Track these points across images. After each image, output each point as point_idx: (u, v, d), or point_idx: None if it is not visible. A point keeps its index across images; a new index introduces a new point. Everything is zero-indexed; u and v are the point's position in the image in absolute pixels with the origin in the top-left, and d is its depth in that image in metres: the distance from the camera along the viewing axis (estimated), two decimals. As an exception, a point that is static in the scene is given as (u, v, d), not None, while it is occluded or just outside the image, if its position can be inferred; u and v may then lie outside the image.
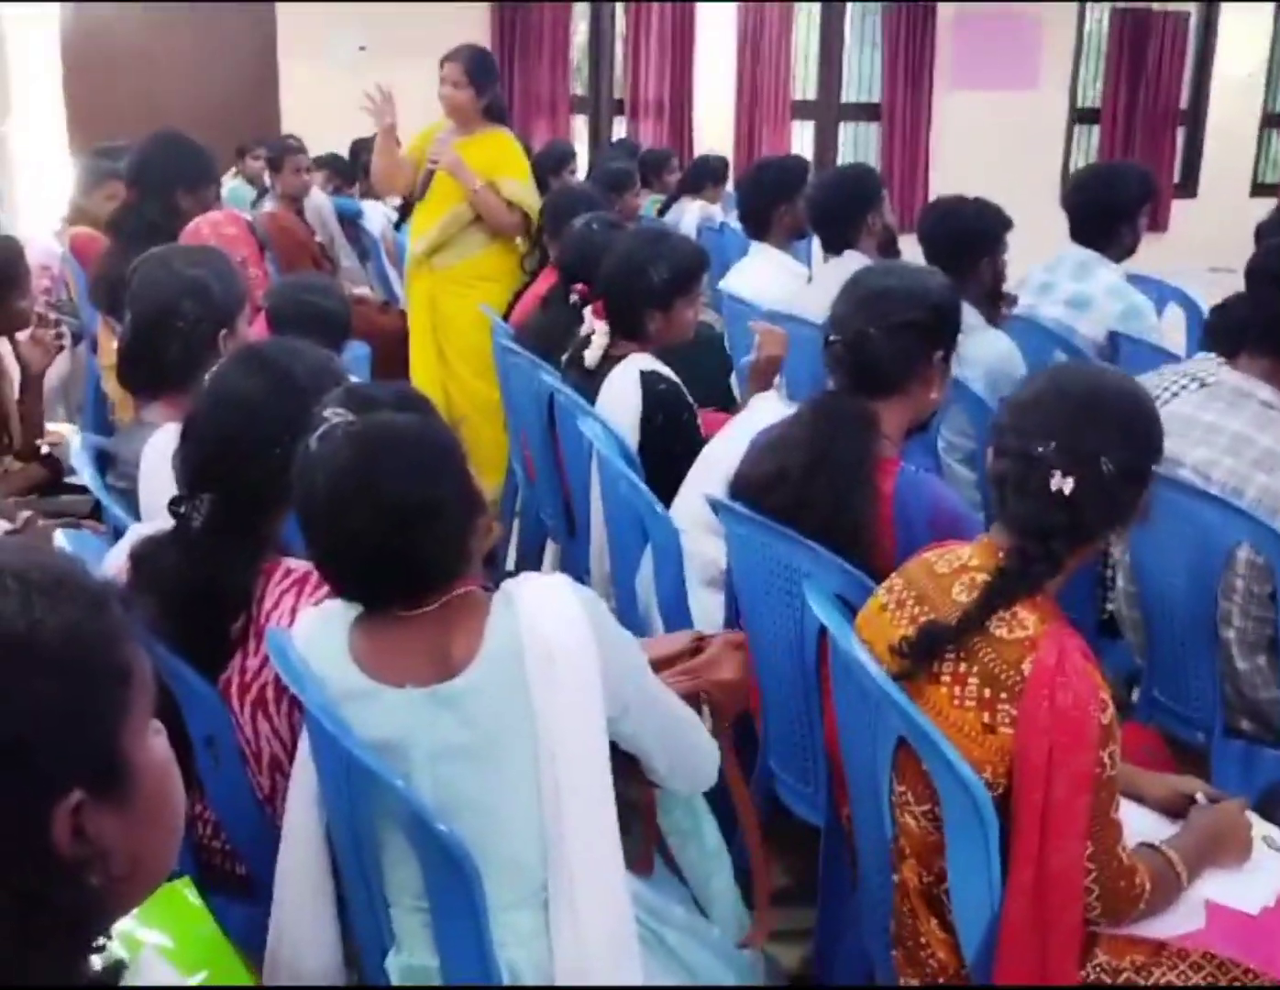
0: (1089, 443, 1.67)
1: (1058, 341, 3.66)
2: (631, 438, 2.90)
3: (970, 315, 3.02)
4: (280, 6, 8.14)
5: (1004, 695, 1.62)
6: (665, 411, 2.94)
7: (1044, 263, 3.93)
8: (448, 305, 4.52)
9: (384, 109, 4.41)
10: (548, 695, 1.52)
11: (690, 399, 3.03)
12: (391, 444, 1.53)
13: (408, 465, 1.52)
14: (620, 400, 2.94)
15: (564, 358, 3.19)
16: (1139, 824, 1.81)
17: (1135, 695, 2.67)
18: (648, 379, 2.95)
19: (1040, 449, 1.66)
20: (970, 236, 3.41)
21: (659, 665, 1.86)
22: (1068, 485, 1.65)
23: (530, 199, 4.51)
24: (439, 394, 4.41)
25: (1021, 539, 1.68)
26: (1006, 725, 1.61)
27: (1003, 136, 9.66)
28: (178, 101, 7.45)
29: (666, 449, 2.87)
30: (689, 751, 1.76)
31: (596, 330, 3.04)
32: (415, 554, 1.53)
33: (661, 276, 3.02)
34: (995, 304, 3.46)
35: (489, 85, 4.43)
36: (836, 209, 3.87)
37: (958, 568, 1.75)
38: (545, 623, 1.54)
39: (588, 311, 3.09)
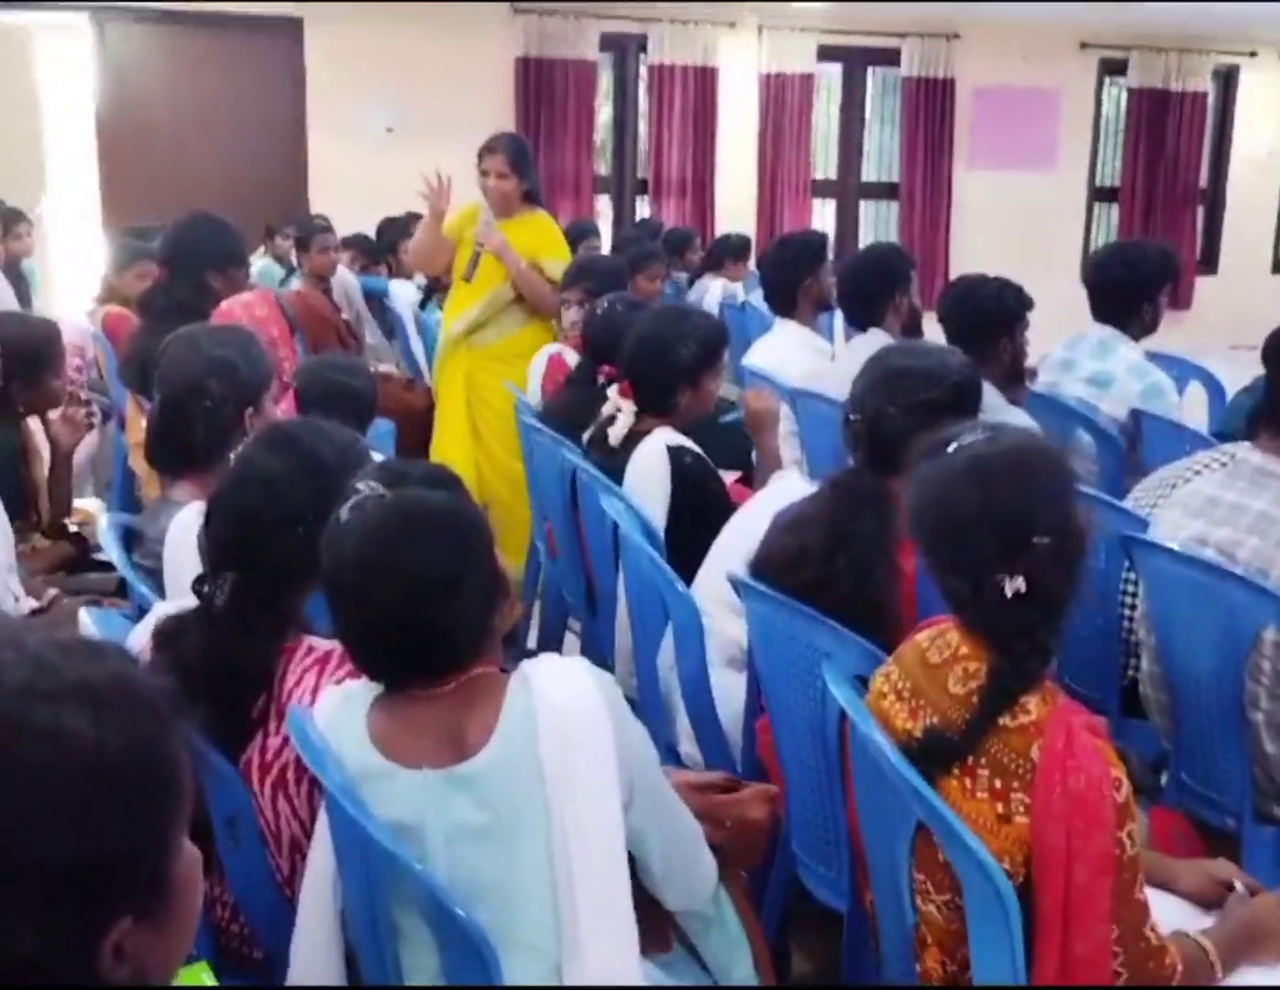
0: (1017, 537, 1.61)
1: (1080, 420, 3.66)
2: (661, 513, 2.92)
3: (991, 395, 3.03)
4: (310, 88, 8.32)
5: (1015, 784, 1.60)
6: (694, 484, 2.96)
7: (1064, 341, 3.94)
8: (485, 382, 4.57)
9: (440, 195, 4.51)
10: (562, 776, 1.52)
11: (716, 469, 3.06)
12: (420, 519, 1.55)
13: (435, 541, 1.54)
14: (648, 475, 2.96)
15: (585, 437, 3.21)
16: (1171, 913, 1.78)
17: (1164, 778, 2.64)
18: (675, 453, 2.97)
19: (976, 567, 1.62)
20: (990, 316, 3.42)
21: (687, 790, 1.84)
22: (1020, 583, 1.60)
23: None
24: (471, 471, 4.45)
25: (1003, 642, 1.64)
26: (1021, 814, 1.59)
27: (1022, 215, 9.74)
28: (208, 181, 7.60)
29: (698, 521, 2.87)
30: (689, 863, 1.73)
31: (622, 408, 3.06)
32: (436, 629, 1.54)
33: (690, 352, 3.07)
34: (1016, 383, 3.47)
35: (529, 171, 4.57)
36: (865, 287, 3.90)
37: (949, 658, 1.71)
38: (561, 704, 1.54)
39: (612, 391, 3.12)
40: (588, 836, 1.52)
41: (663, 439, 3.00)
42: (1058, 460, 1.72)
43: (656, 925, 1.76)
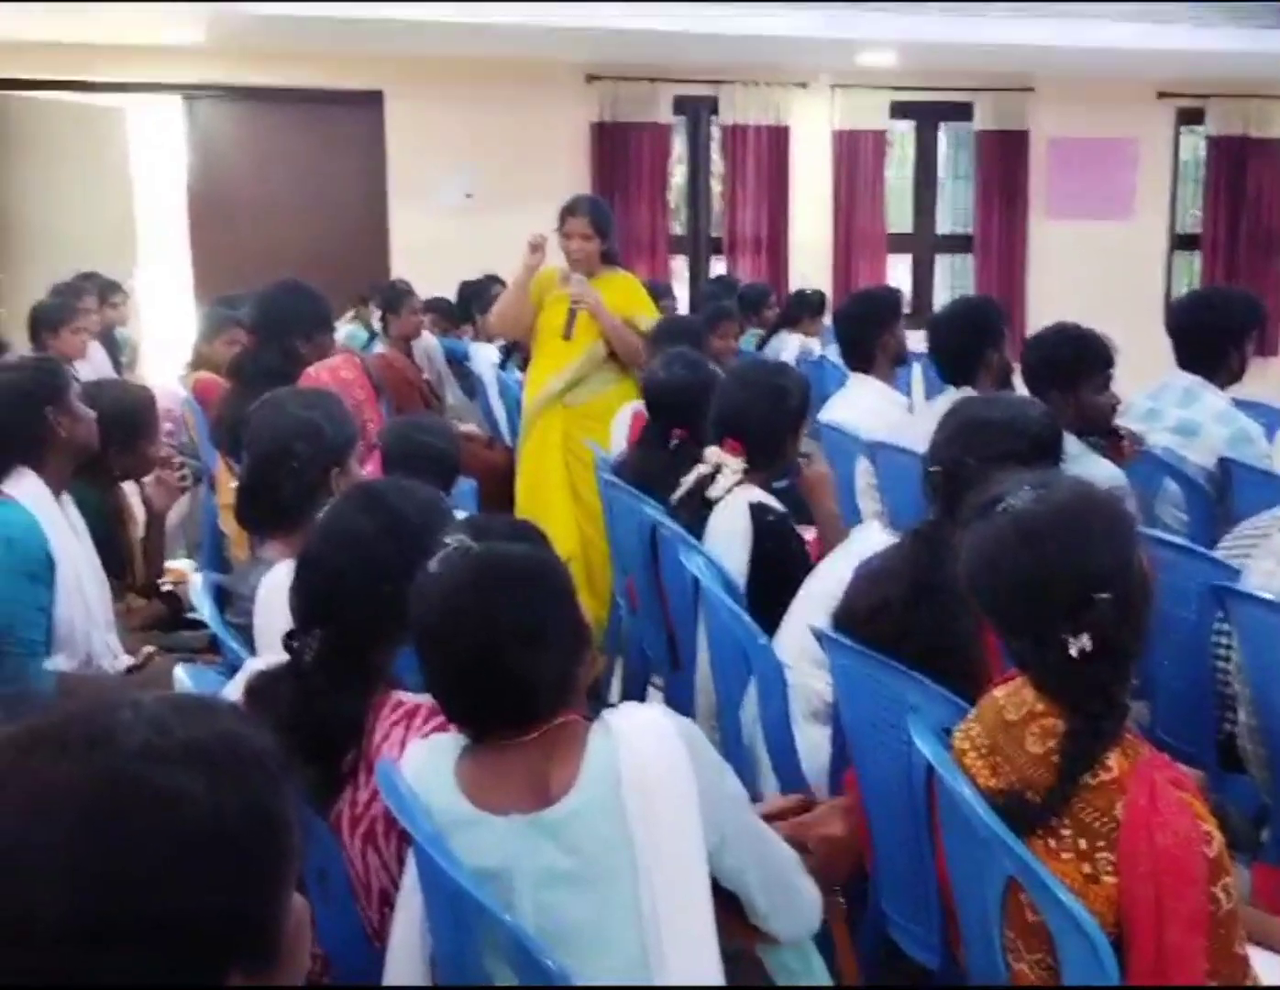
0: (1077, 597, 1.57)
1: (1167, 469, 3.61)
2: (741, 570, 2.91)
3: (1072, 444, 3.00)
4: (390, 157, 8.52)
5: (1101, 843, 1.56)
6: (776, 542, 2.96)
7: (1148, 390, 3.89)
8: (581, 440, 4.60)
9: (538, 254, 4.58)
10: (645, 820, 1.53)
11: (797, 530, 3.06)
12: (505, 570, 1.60)
13: (519, 591, 1.59)
14: (730, 534, 2.97)
15: (674, 498, 3.16)
16: (1275, 973, 1.73)
17: (1265, 834, 2.57)
18: (757, 511, 2.97)
19: (1037, 629, 1.60)
20: (1073, 365, 3.39)
21: (765, 819, 1.85)
22: (1085, 642, 1.57)
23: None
24: (572, 528, 4.49)
25: (1077, 702, 1.61)
26: (1109, 873, 1.55)
27: (1100, 264, 9.65)
28: (294, 250, 7.79)
29: (779, 580, 2.86)
30: (791, 893, 1.73)
31: (727, 465, 3.03)
32: (520, 677, 1.57)
33: (796, 402, 3.12)
34: (1100, 433, 3.43)
35: (610, 232, 4.67)
36: (956, 342, 3.82)
37: (1026, 716, 1.67)
38: (642, 751, 1.55)
39: (711, 450, 3.09)
40: (672, 880, 1.53)
41: (745, 497, 3.00)
42: (1112, 510, 1.68)
43: (746, 973, 1.75)
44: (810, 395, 3.20)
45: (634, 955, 1.54)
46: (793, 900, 1.73)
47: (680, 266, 9.52)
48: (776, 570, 2.90)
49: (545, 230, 4.63)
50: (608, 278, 4.68)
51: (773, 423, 3.07)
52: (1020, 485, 1.68)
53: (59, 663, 2.79)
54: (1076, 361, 3.41)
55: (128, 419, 3.27)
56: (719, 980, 1.55)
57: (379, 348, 6.13)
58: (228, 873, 0.82)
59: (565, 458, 4.64)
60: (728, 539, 2.95)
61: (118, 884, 0.79)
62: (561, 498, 4.61)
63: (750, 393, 3.10)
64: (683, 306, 7.17)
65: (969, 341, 3.80)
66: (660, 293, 6.67)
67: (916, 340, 4.69)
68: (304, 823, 0.92)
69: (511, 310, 4.80)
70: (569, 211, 4.61)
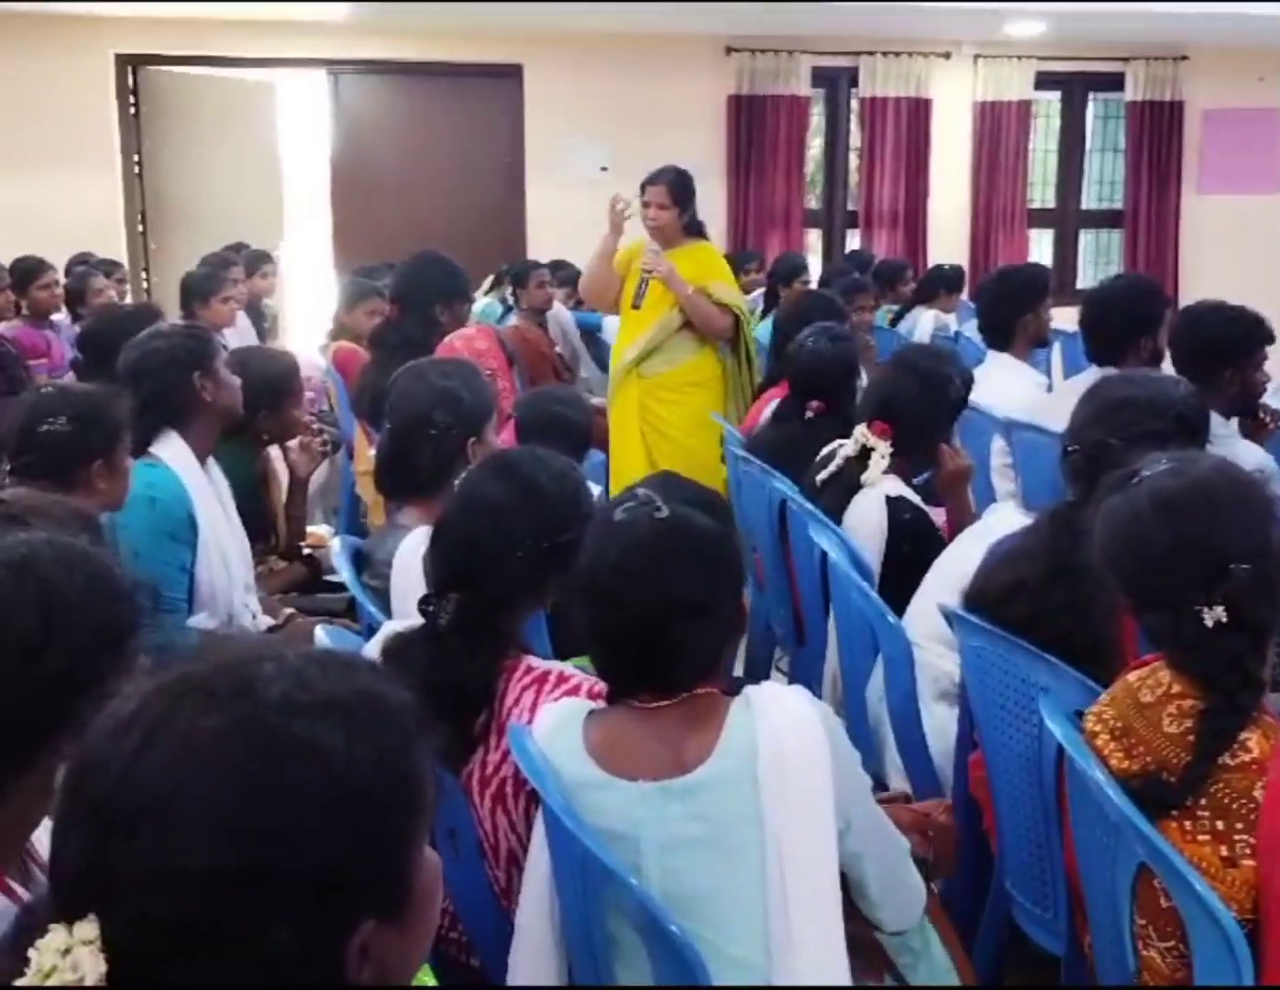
0: (1212, 565, 1.57)
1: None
2: (876, 563, 2.86)
3: (1219, 426, 2.91)
4: (529, 130, 8.59)
5: (1239, 825, 1.54)
6: (911, 542, 2.87)
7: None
8: (658, 412, 4.66)
9: (621, 219, 4.68)
10: (778, 798, 1.54)
11: (935, 524, 2.99)
12: (690, 541, 1.62)
13: (699, 564, 1.61)
14: (866, 526, 2.90)
15: (819, 478, 3.08)
16: None
17: None
18: (894, 506, 2.90)
19: (1173, 600, 1.59)
20: (1222, 343, 3.28)
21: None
22: (1220, 613, 1.56)
23: (739, 301, 4.76)
24: None
25: (1213, 678, 1.59)
26: (1248, 856, 1.53)
27: (1257, 240, 9.28)
28: (433, 222, 7.92)
29: (911, 578, 2.75)
30: (902, 884, 1.73)
31: (877, 448, 2.95)
32: (677, 647, 1.59)
33: (956, 394, 3.04)
34: (1247, 415, 3.32)
35: (689, 204, 4.68)
36: (1112, 323, 3.66)
37: (1162, 696, 1.66)
38: (781, 729, 1.56)
39: (860, 429, 3.00)
40: (802, 859, 1.54)
41: (883, 490, 2.92)
42: (1249, 486, 1.67)
43: (870, 956, 1.76)
44: (969, 396, 3.11)
45: (757, 928, 1.55)
46: (901, 891, 1.73)
47: (815, 240, 9.43)
48: (911, 568, 2.80)
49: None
50: (686, 249, 4.67)
51: (929, 412, 3.00)
52: (1158, 461, 1.69)
53: (201, 621, 2.90)
54: (1241, 340, 3.29)
55: (273, 384, 3.38)
56: (843, 962, 1.56)
57: (513, 321, 6.21)
58: (362, 825, 0.84)
59: (641, 427, 4.66)
60: (864, 532, 2.89)
61: (259, 833, 0.81)
62: (639, 469, 4.55)
63: (911, 378, 3.02)
64: (814, 281, 7.09)
65: (1125, 322, 3.62)
66: (796, 269, 6.62)
67: (1058, 319, 4.59)
68: (437, 780, 0.94)
69: (597, 281, 4.86)
70: (649, 180, 4.66)
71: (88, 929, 0.81)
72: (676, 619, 1.57)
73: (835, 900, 1.56)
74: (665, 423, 4.64)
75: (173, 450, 2.90)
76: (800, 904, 1.53)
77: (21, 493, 1.93)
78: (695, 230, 4.76)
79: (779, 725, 1.56)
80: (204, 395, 2.97)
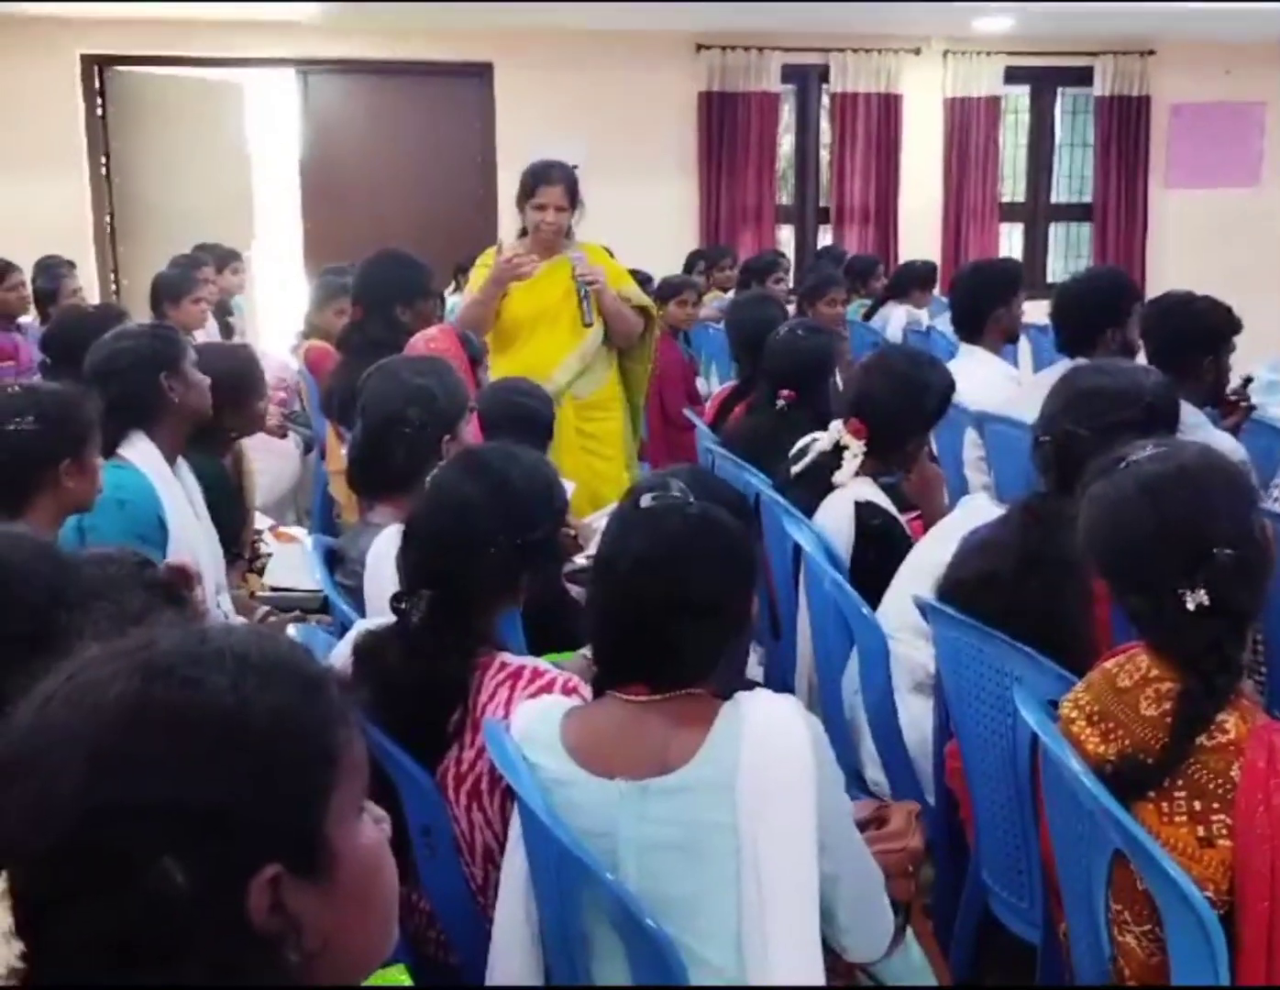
0: (1196, 549, 1.58)
1: (1285, 442, 3.51)
2: (842, 569, 2.83)
3: (1192, 414, 2.92)
4: (500, 129, 8.57)
5: (1216, 806, 1.55)
6: (877, 550, 2.82)
7: (1269, 362, 3.78)
8: (593, 433, 4.25)
9: (514, 275, 4.04)
10: (756, 811, 1.52)
11: (907, 531, 2.94)
12: (712, 540, 1.61)
13: (716, 566, 1.60)
14: (834, 529, 2.86)
15: (794, 471, 3.05)
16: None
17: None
18: (862, 512, 2.85)
19: (1156, 582, 1.60)
20: (1197, 334, 3.31)
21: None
22: (1203, 597, 1.57)
23: (648, 299, 4.45)
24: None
25: (1192, 660, 1.60)
26: (1224, 837, 1.54)
27: (1223, 233, 9.35)
28: (404, 222, 7.89)
29: (877, 585, 2.70)
30: (873, 913, 1.70)
31: (851, 447, 2.92)
32: (682, 645, 1.59)
33: (934, 402, 2.99)
34: (1217, 405, 3.34)
35: (579, 202, 4.18)
36: (1082, 315, 3.67)
37: (1140, 680, 1.67)
38: (767, 740, 1.55)
39: (835, 425, 2.98)
40: (778, 872, 1.52)
41: (852, 495, 2.88)
42: (1233, 474, 1.70)
43: (840, 961, 1.75)
44: (950, 400, 3.07)
45: (729, 935, 1.54)
46: (872, 921, 1.70)
47: (787, 236, 9.45)
48: (877, 574, 2.75)
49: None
50: (581, 251, 4.17)
51: (905, 417, 2.94)
52: (1144, 447, 1.70)
53: (174, 624, 2.86)
54: (1218, 329, 3.31)
55: (234, 380, 3.32)
56: (819, 973, 1.55)
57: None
58: (252, 765, 0.84)
59: (579, 453, 4.17)
60: (832, 534, 2.85)
61: (136, 762, 0.82)
62: (579, 498, 4.01)
63: (888, 380, 2.97)
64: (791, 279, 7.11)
65: (1094, 314, 3.63)
66: (773, 267, 6.62)
67: (1028, 312, 4.60)
68: (367, 744, 0.93)
69: (479, 318, 4.11)
70: (542, 179, 4.09)
71: None
72: (687, 616, 1.56)
73: (813, 914, 1.54)
74: (602, 443, 4.26)
75: (141, 452, 2.87)
76: (775, 916, 1.51)
77: None
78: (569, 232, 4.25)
79: (765, 737, 1.55)
80: (171, 396, 2.94)
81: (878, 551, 2.83)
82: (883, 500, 2.92)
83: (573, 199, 4.11)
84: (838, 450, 2.96)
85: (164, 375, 2.93)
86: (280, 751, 0.87)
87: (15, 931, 0.82)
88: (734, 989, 1.55)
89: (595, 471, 4.18)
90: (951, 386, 3.08)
